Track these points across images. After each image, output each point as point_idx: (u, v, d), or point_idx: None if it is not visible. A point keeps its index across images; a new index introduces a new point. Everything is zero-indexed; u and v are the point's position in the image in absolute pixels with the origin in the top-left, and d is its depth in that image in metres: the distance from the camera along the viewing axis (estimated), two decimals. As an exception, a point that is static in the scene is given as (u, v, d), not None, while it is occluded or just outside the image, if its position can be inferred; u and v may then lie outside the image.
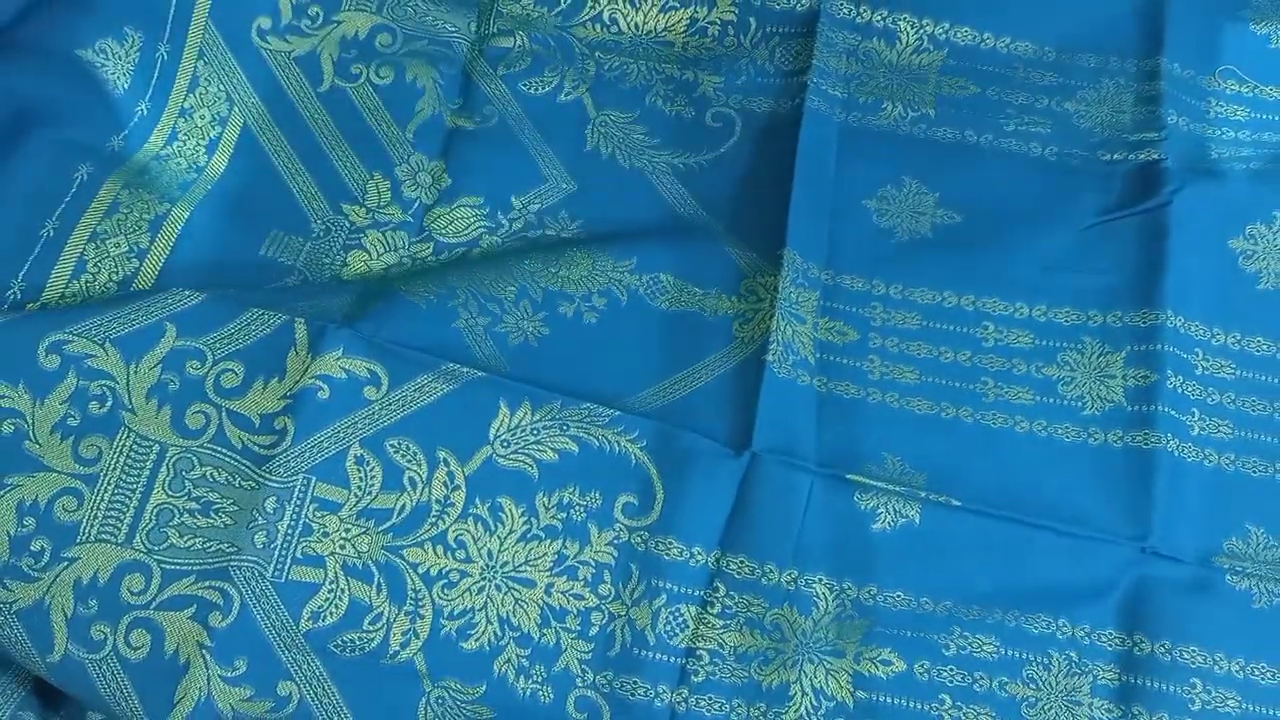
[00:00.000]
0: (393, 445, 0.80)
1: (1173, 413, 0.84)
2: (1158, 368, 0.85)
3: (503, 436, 0.81)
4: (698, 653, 0.76)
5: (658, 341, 0.87)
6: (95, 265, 0.85)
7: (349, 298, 0.85)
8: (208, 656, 0.73)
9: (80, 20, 0.89)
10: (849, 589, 0.79)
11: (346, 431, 0.79)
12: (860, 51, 1.00)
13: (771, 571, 0.78)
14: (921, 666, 0.77)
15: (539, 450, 0.81)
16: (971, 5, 1.01)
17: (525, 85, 0.99)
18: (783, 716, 0.76)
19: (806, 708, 0.76)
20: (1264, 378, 0.86)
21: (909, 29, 1.00)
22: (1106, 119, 0.96)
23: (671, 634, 0.77)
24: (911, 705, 0.77)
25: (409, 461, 0.79)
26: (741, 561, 0.79)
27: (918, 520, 0.80)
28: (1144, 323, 0.87)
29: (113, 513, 0.76)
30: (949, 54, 0.99)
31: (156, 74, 0.92)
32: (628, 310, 0.88)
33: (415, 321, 0.84)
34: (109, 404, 0.78)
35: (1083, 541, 0.79)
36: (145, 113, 0.91)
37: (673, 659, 0.76)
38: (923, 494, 0.80)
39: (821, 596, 0.78)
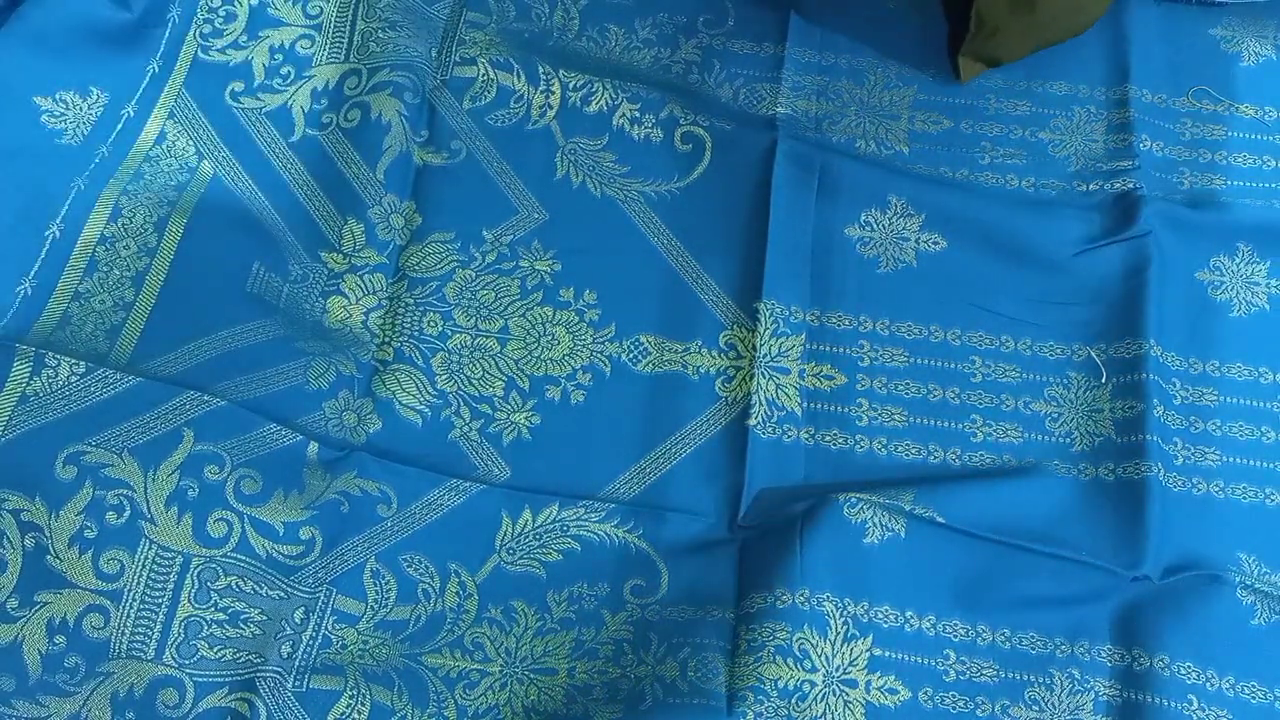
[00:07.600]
0: (405, 560, 0.83)
1: (1160, 442, 0.85)
2: (1144, 397, 0.86)
3: (508, 544, 0.84)
4: (741, 694, 0.77)
5: (642, 410, 0.89)
6: (107, 264, 0.87)
7: (351, 414, 0.87)
8: None
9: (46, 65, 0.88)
10: (848, 604, 0.81)
11: (364, 546, 0.82)
12: (830, 91, 1.00)
13: (784, 595, 0.80)
14: (925, 694, 0.79)
15: (544, 553, 0.84)
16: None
17: (492, 119, 0.98)
18: None
19: None
20: (1247, 402, 0.89)
21: (875, 71, 1.01)
22: (1080, 148, 0.97)
23: (704, 679, 0.78)
24: None
25: (421, 575, 0.82)
26: (752, 597, 0.80)
27: (903, 534, 0.82)
28: (1129, 353, 0.88)
29: (140, 629, 0.76)
30: (919, 89, 1.00)
31: (120, 128, 0.92)
32: (612, 382, 0.90)
33: (415, 441, 0.87)
34: (127, 514, 0.78)
35: (1069, 564, 0.81)
36: (106, 155, 0.91)
37: (711, 702, 0.77)
38: (908, 507, 0.82)
39: (831, 615, 0.80)
